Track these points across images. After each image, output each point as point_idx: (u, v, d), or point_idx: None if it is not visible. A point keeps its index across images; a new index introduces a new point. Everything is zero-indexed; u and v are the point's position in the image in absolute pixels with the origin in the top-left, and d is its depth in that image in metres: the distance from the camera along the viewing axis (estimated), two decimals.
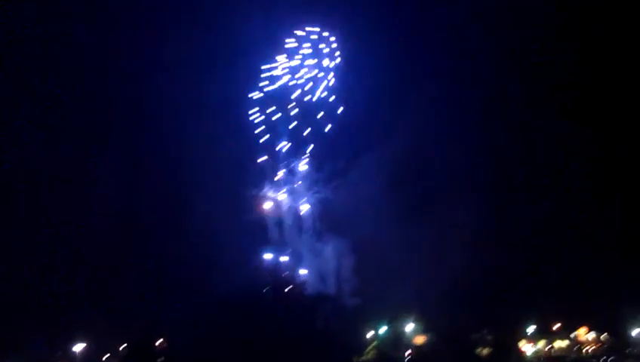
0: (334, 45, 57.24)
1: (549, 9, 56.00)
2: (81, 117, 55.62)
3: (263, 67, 56.83)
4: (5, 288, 49.56)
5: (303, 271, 56.96)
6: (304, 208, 57.88)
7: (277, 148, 57.49)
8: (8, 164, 53.25)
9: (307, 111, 57.05)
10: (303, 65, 56.97)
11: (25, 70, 53.99)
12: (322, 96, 57.25)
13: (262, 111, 56.82)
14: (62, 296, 51.82)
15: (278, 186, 58.13)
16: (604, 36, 56.14)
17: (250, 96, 56.63)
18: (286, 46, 56.95)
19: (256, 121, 56.62)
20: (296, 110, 57.04)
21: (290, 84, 57.04)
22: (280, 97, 57.11)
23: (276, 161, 57.63)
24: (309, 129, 57.30)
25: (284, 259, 56.79)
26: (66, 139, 54.96)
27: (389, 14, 57.46)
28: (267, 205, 57.59)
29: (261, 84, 56.85)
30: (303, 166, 57.98)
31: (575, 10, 55.47)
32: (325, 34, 57.18)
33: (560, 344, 56.87)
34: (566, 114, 57.13)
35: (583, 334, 56.68)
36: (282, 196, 57.99)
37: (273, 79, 57.05)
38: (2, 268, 50.02)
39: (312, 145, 57.42)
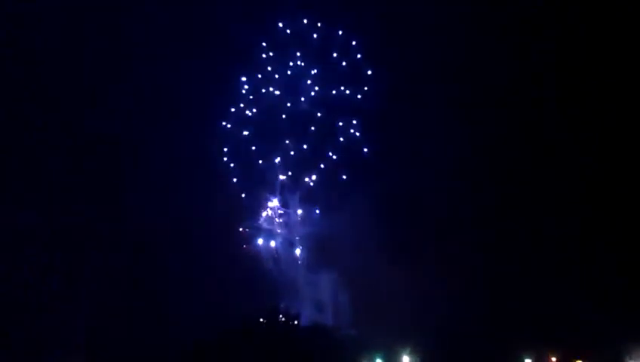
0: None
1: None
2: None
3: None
4: None
5: (296, 304, 57.22)
6: (298, 240, 58.58)
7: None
8: None
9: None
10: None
11: None
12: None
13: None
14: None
15: (270, 219, 58.93)
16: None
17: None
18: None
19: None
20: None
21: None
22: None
23: (270, 192, 58.52)
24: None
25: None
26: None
27: None
28: (259, 238, 58.29)
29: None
30: (296, 199, 58.75)
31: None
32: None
33: None
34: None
35: None
36: (275, 228, 58.72)
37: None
38: None
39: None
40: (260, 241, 57.97)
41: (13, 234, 52.28)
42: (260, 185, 58.04)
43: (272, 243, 58.26)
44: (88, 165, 55.33)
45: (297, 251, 58.07)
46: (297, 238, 58.30)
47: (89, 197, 54.84)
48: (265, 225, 58.26)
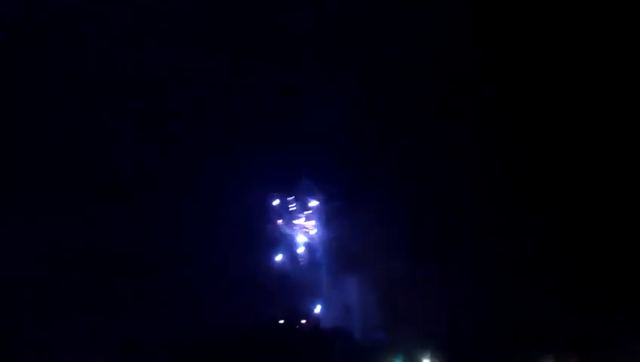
0: None
1: None
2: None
3: None
4: None
5: (317, 306, 57.82)
6: (319, 242, 59.13)
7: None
8: None
9: None
10: None
11: None
12: None
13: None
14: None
15: (291, 220, 59.41)
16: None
17: None
18: None
19: None
20: None
21: None
22: None
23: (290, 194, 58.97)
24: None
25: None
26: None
27: None
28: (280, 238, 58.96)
29: None
30: (315, 201, 59.43)
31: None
32: None
33: None
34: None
35: None
36: (296, 229, 59.39)
37: None
38: None
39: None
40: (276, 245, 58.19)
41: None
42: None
43: (301, 250, 58.73)
44: None
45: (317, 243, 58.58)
46: (318, 241, 58.65)
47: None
48: (285, 229, 58.53)
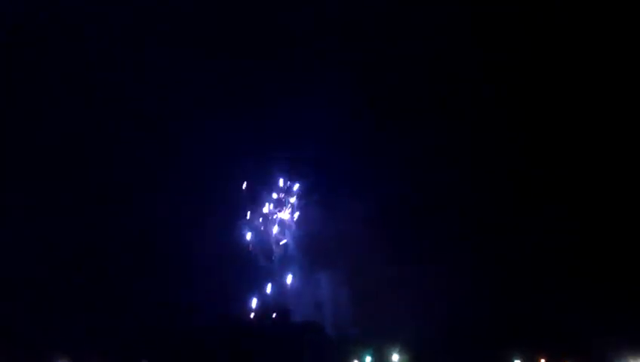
0: None
1: None
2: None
3: None
4: None
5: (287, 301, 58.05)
6: (290, 237, 59.58)
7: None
8: None
9: None
10: None
11: None
12: None
13: None
14: (45, 313, 51.98)
15: (264, 214, 59.68)
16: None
17: None
18: None
19: None
20: None
21: None
22: None
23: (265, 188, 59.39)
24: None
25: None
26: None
27: None
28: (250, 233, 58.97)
29: None
30: (291, 196, 59.92)
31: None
32: None
33: None
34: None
35: None
36: (269, 224, 59.64)
37: None
38: None
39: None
40: (248, 236, 58.38)
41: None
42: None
43: (282, 242, 58.92)
44: None
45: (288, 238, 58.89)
46: (292, 237, 59.26)
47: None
48: (259, 223, 58.96)
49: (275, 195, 59.88)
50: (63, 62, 57.41)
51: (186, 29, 57.68)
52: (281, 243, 59.35)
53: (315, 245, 58.49)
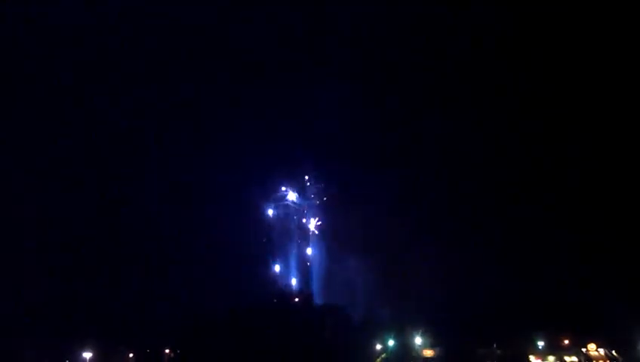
0: None
1: None
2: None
3: None
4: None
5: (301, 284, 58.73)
6: (314, 224, 60.23)
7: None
8: None
9: None
10: None
11: None
12: None
13: None
14: (69, 304, 53.36)
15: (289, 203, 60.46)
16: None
17: None
18: None
19: None
20: None
21: None
22: None
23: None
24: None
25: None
26: None
27: None
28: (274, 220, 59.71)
29: None
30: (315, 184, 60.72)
31: None
32: None
33: (569, 359, 56.45)
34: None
35: (593, 350, 56.27)
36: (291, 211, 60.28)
37: None
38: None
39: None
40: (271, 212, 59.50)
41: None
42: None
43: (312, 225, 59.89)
44: None
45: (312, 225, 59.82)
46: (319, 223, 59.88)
47: None
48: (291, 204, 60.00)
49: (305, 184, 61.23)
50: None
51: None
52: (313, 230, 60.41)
53: (342, 232, 59.26)
